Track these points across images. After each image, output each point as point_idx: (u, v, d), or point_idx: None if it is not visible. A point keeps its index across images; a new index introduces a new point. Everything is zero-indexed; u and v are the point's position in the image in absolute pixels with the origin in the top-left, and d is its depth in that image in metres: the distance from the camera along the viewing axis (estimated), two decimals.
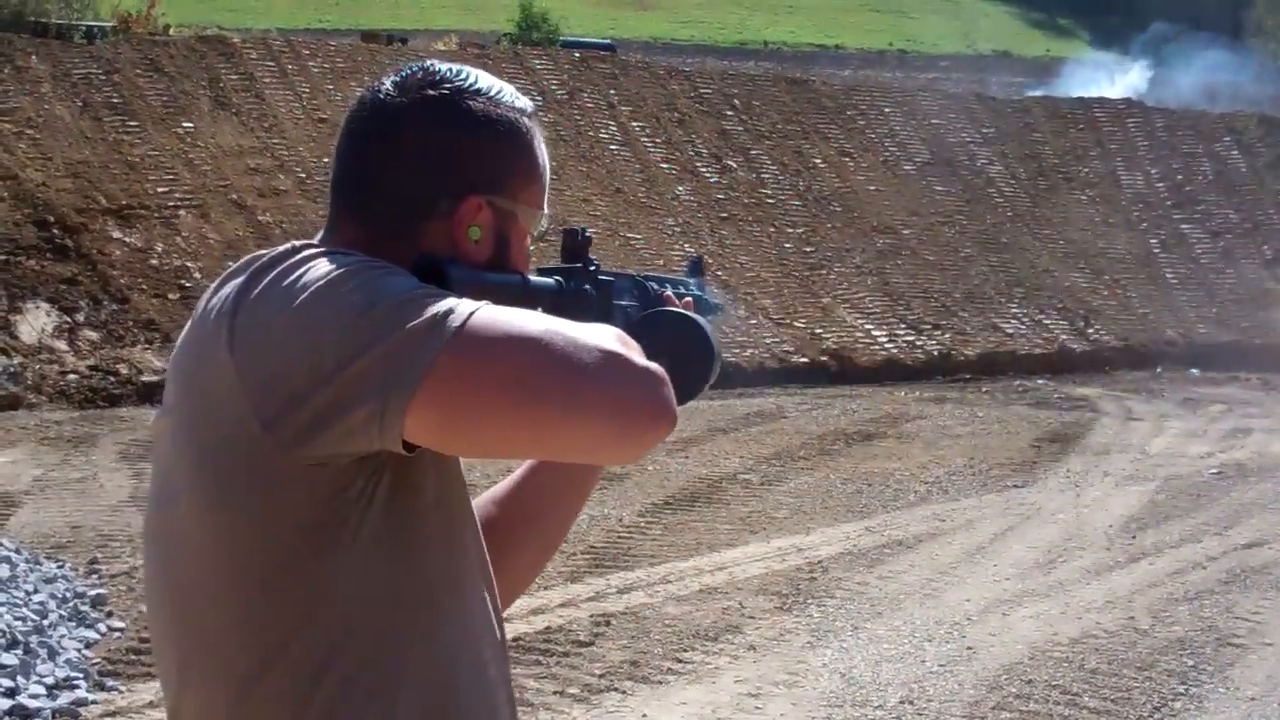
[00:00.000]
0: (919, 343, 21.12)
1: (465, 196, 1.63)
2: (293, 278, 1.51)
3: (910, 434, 14.49)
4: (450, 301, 1.47)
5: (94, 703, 6.14)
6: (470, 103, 1.65)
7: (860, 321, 21.24)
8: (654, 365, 1.51)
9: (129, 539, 8.82)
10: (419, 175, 1.62)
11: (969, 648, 7.27)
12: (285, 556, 1.52)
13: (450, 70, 1.68)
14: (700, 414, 15.33)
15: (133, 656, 6.73)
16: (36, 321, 16.04)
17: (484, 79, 1.69)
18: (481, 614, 1.68)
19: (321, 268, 1.51)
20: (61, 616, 7.07)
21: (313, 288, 1.49)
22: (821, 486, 11.59)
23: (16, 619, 6.62)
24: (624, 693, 6.55)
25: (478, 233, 1.64)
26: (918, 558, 9.20)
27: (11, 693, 5.92)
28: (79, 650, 6.71)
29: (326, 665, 1.54)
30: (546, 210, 1.75)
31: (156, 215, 18.12)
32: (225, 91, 20.28)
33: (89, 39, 19.60)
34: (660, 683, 6.69)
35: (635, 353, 1.51)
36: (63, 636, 6.79)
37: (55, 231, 17.15)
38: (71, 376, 15.42)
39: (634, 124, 23.71)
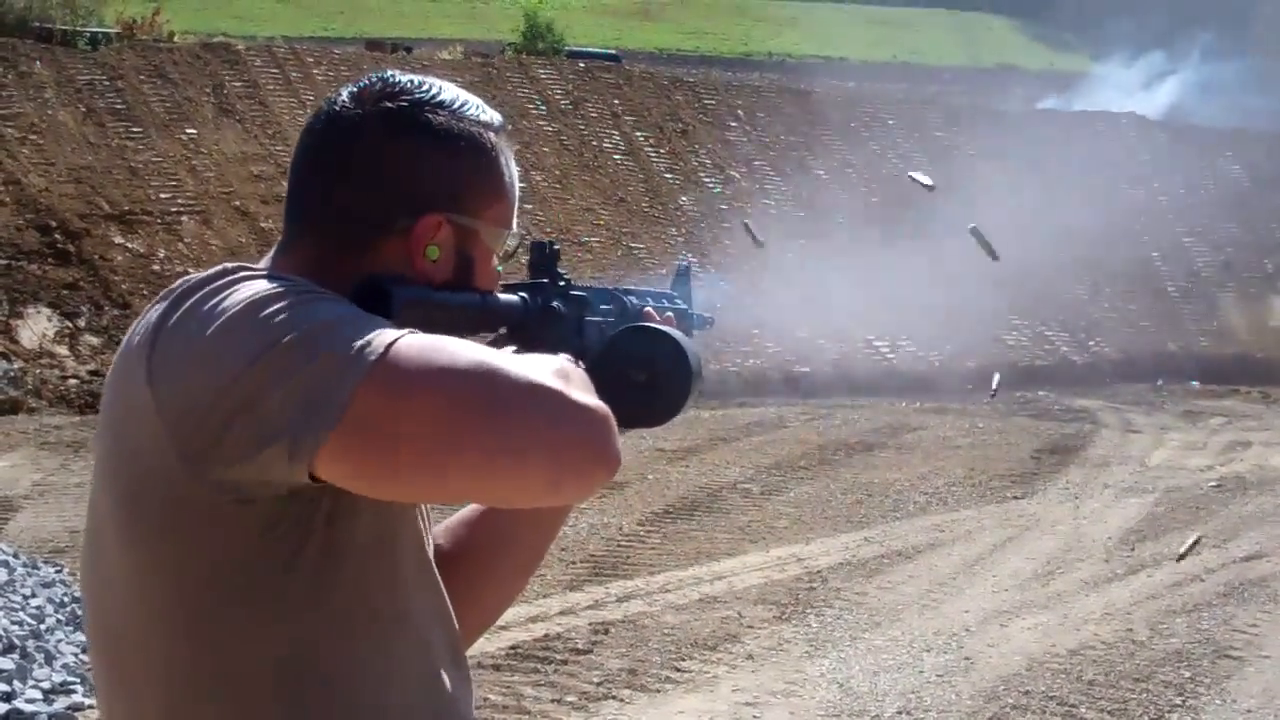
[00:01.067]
0: (920, 354, 21.12)
1: (423, 214, 1.54)
2: (212, 303, 1.42)
3: (910, 444, 14.49)
4: (375, 330, 1.37)
5: (90, 707, 6.13)
6: (431, 116, 1.57)
7: (861, 332, 21.24)
8: (595, 403, 1.40)
9: None
10: (374, 191, 1.54)
11: (967, 658, 7.27)
12: (208, 598, 1.43)
13: (411, 81, 1.59)
14: (701, 423, 15.33)
15: None
16: (38, 326, 16.06)
17: (447, 91, 1.60)
18: (435, 647, 1.58)
19: (243, 292, 1.41)
20: (59, 621, 7.05)
21: (229, 313, 1.40)
22: (821, 496, 11.59)
23: (14, 623, 6.60)
24: (622, 701, 6.54)
25: (436, 252, 1.55)
26: (916, 568, 9.20)
27: (8, 697, 5.91)
28: (76, 655, 6.69)
29: (257, 710, 1.46)
30: (515, 229, 1.65)
31: (159, 221, 18.15)
32: (229, 98, 20.31)
33: (93, 45, 19.63)
34: (658, 691, 6.69)
35: (577, 387, 1.41)
36: (60, 641, 6.77)
37: (57, 237, 17.18)
38: (72, 381, 15.44)
39: (638, 134, 23.74)
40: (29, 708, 5.91)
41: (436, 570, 1.63)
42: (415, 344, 1.36)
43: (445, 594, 1.63)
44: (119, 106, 19.17)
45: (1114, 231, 24.97)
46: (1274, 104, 30.67)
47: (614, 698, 6.57)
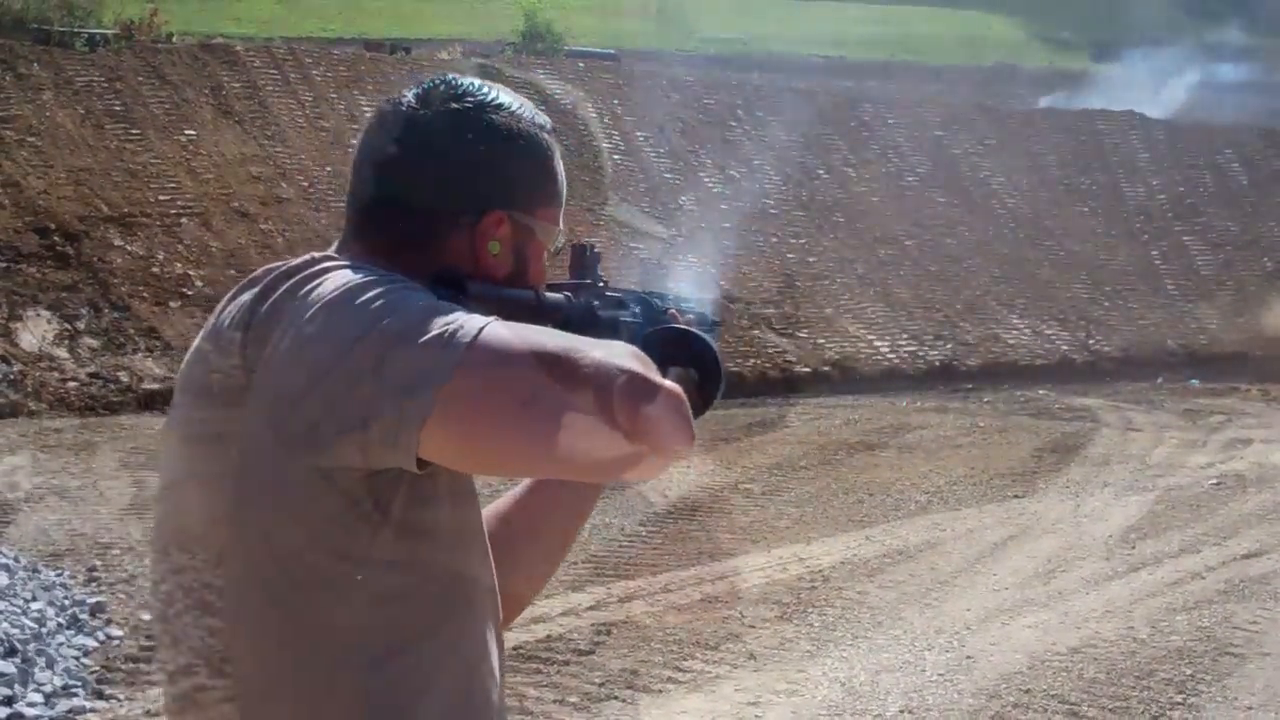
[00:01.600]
0: (921, 353, 21.13)
1: (487, 211, 1.62)
2: (308, 289, 1.50)
3: (912, 444, 14.49)
4: (462, 317, 1.43)
5: (92, 711, 6.13)
6: (493, 117, 1.64)
7: (862, 332, 21.25)
8: (673, 384, 1.47)
9: (129, 547, 8.82)
10: (442, 189, 1.62)
11: (968, 657, 7.26)
12: (298, 568, 1.50)
13: (472, 85, 1.67)
14: (702, 423, 15.22)
15: (131, 664, 6.72)
16: (37, 329, 16.04)
17: (505, 94, 1.68)
18: (488, 636, 1.66)
19: (337, 280, 1.49)
20: (60, 624, 7.05)
21: (327, 300, 1.47)
22: (823, 496, 11.58)
23: (14, 627, 6.60)
24: (624, 701, 6.54)
25: (497, 247, 1.63)
26: (918, 567, 9.19)
27: (9, 700, 5.91)
28: (77, 658, 6.70)
29: (339, 676, 1.52)
30: (562, 226, 1.75)
31: (158, 223, 18.13)
32: (228, 99, 20.29)
33: (91, 47, 19.61)
34: (660, 692, 6.68)
35: (653, 371, 1.47)
36: (61, 644, 6.78)
37: (56, 239, 17.17)
38: (72, 384, 15.42)
39: (638, 134, 23.73)
40: (30, 711, 5.91)
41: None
42: (502, 328, 1.43)
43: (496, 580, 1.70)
44: (117, 108, 19.15)
45: (1115, 229, 25.02)
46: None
47: (616, 698, 6.57)
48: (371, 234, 1.63)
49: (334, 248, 1.65)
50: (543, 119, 1.70)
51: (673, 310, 1.94)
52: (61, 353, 16.01)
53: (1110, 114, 28.07)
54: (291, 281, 1.51)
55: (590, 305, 1.80)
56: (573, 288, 1.81)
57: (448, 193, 1.62)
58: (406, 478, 1.48)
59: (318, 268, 1.53)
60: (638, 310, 1.89)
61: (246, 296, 1.54)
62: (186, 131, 19.47)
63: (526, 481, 1.93)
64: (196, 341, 1.61)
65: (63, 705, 6.09)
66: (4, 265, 16.64)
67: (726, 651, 7.30)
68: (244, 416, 1.49)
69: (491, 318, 1.44)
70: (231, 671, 1.55)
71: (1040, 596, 8.49)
